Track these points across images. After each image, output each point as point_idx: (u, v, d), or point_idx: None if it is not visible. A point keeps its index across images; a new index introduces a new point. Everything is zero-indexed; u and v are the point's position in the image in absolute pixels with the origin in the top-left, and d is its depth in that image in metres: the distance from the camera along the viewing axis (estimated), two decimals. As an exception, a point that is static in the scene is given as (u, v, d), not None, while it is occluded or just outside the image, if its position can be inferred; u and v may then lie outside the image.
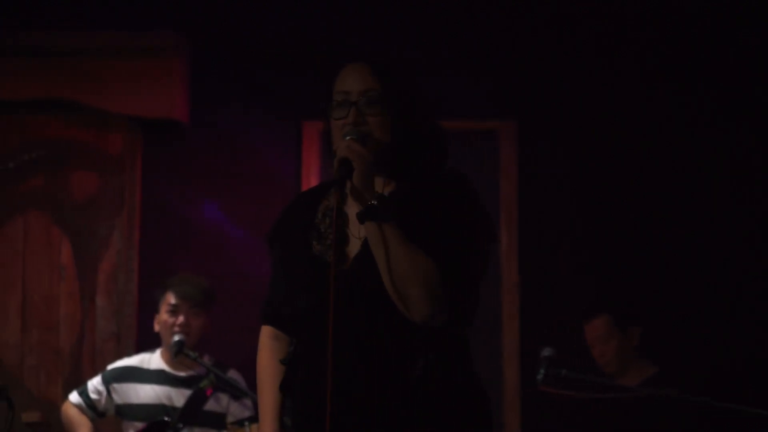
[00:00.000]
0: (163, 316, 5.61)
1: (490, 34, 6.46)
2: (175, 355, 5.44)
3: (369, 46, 6.09)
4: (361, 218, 2.87)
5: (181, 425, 5.30)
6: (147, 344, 5.90)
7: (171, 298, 5.59)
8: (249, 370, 5.51)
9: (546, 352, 5.10)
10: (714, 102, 6.31)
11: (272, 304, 3.17)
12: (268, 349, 3.19)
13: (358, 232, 2.99)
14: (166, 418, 5.32)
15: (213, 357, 5.60)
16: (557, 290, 6.27)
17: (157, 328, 5.66)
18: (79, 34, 6.38)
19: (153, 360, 5.67)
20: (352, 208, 3.01)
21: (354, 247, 3.00)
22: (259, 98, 6.45)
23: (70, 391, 5.79)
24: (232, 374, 5.57)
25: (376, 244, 2.87)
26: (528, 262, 6.36)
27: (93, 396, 5.62)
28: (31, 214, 6.44)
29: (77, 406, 5.63)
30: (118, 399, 5.60)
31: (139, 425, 5.41)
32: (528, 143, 6.44)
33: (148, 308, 5.95)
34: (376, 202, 2.85)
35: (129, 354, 6.00)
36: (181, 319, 5.55)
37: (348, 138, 2.93)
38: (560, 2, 6.45)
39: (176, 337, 5.45)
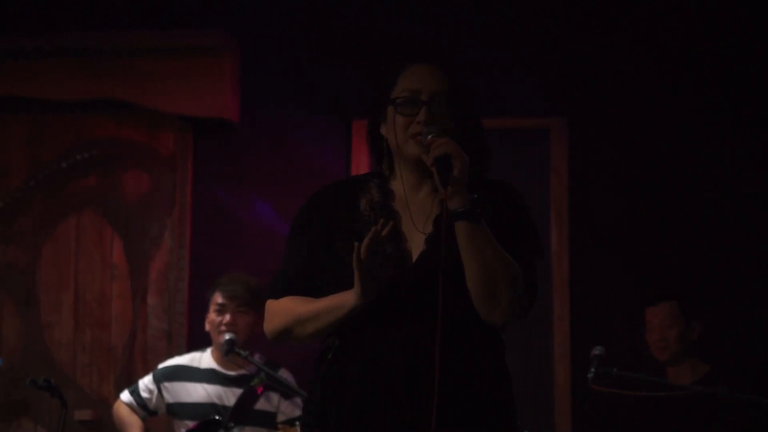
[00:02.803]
0: (212, 315, 5.63)
1: (541, 33, 6.44)
2: (226, 353, 5.45)
3: (420, 44, 6.09)
4: (457, 218, 2.85)
5: (232, 424, 5.31)
6: (198, 343, 5.93)
7: (218, 298, 5.61)
8: (300, 369, 5.56)
9: (597, 350, 5.08)
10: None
11: (289, 278, 3.09)
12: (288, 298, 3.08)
13: (422, 228, 2.98)
14: (217, 417, 5.33)
15: (264, 356, 5.62)
16: (608, 289, 6.24)
17: (207, 327, 5.69)
18: (130, 34, 6.41)
19: (204, 359, 5.69)
20: (402, 206, 3.02)
21: (413, 245, 2.98)
22: (309, 97, 6.46)
23: (122, 389, 5.83)
24: (283, 373, 5.58)
25: (468, 244, 2.85)
26: (578, 261, 6.33)
27: (144, 395, 5.65)
28: (83, 214, 6.49)
29: (128, 405, 5.66)
30: (169, 398, 5.63)
31: (190, 424, 5.43)
32: (578, 141, 6.41)
33: (199, 307, 5.98)
34: (472, 202, 2.85)
35: (180, 352, 6.03)
36: (227, 317, 5.57)
37: (431, 137, 2.90)
38: (611, 1, 6.42)
39: (227, 336, 5.45)
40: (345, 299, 2.91)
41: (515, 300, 2.87)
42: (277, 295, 3.10)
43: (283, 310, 3.06)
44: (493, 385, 2.95)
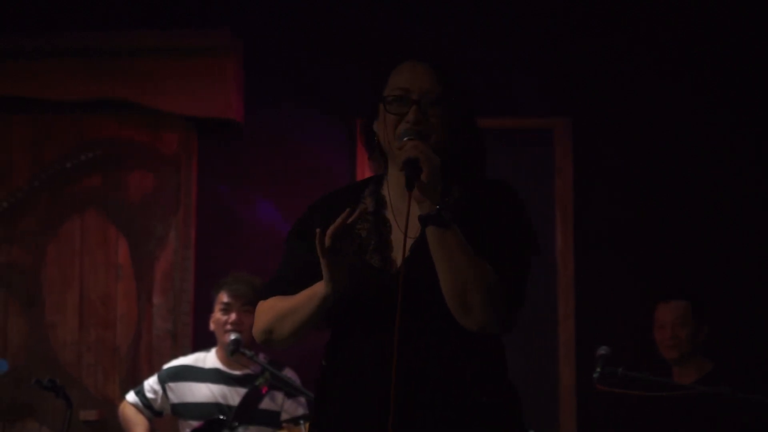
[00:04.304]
0: (217, 314, 5.64)
1: (545, 33, 6.44)
2: (232, 353, 5.45)
3: (423, 43, 6.09)
4: (425, 222, 2.81)
5: (236, 423, 5.32)
6: (203, 343, 5.93)
7: (224, 297, 5.62)
8: (304, 369, 5.56)
9: (602, 350, 5.08)
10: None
11: (281, 282, 3.05)
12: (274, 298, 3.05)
13: (405, 235, 2.91)
14: (221, 417, 5.34)
15: (268, 355, 5.62)
16: (613, 288, 6.23)
17: (212, 327, 5.69)
18: (134, 34, 6.41)
19: (208, 359, 5.69)
20: (395, 212, 3.00)
21: (399, 252, 2.94)
22: (313, 97, 6.46)
23: (127, 389, 5.84)
24: (287, 372, 5.58)
25: (438, 249, 2.81)
26: (583, 261, 6.32)
27: (149, 395, 5.65)
28: (88, 214, 6.49)
29: (134, 405, 5.67)
30: (174, 398, 5.63)
31: (195, 424, 5.44)
32: (583, 141, 6.40)
33: (204, 307, 5.98)
34: (441, 207, 2.80)
35: (185, 353, 6.03)
36: (233, 317, 5.57)
37: (407, 139, 2.88)
38: (615, 1, 6.41)
39: (232, 336, 5.46)
40: (316, 289, 2.88)
41: (489, 308, 2.81)
42: (267, 297, 3.08)
43: (267, 309, 3.04)
44: (477, 390, 2.90)
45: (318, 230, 2.79)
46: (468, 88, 3.06)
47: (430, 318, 2.87)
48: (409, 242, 2.92)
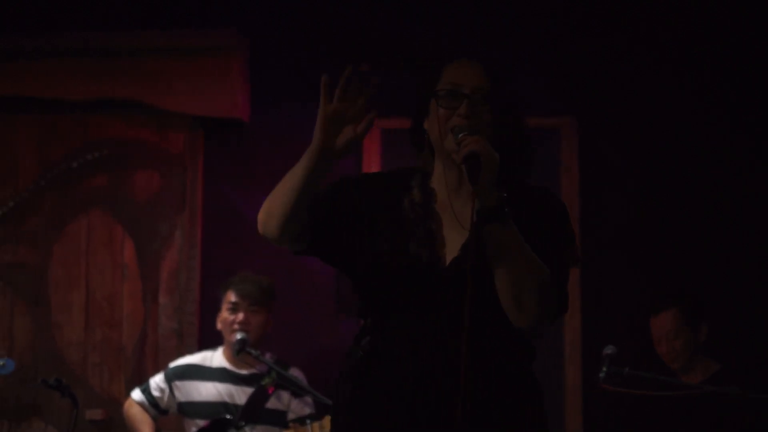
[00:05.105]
0: (224, 313, 5.64)
1: (550, 31, 6.43)
2: (238, 352, 5.46)
3: (430, 43, 6.09)
4: (485, 217, 2.82)
5: (242, 423, 5.31)
6: (209, 342, 5.93)
7: (231, 296, 5.62)
8: (310, 368, 5.56)
9: (608, 350, 5.08)
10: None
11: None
12: None
13: (459, 232, 2.95)
14: (228, 416, 5.34)
15: (274, 355, 5.62)
16: (618, 288, 6.23)
17: (219, 326, 5.70)
18: (140, 33, 6.41)
19: (215, 358, 5.70)
20: (443, 207, 3.01)
21: (450, 249, 2.97)
22: (319, 97, 6.43)
23: (132, 388, 5.84)
24: (294, 372, 5.59)
25: (497, 246, 2.82)
26: (589, 260, 6.31)
27: (155, 393, 5.66)
28: (93, 214, 6.49)
29: (140, 403, 5.68)
30: (180, 396, 5.64)
31: (202, 423, 5.44)
32: (589, 140, 6.40)
33: (209, 306, 5.99)
34: (500, 204, 2.81)
35: (191, 352, 6.03)
36: (240, 316, 5.58)
37: (462, 135, 2.88)
38: (619, 0, 6.41)
39: (239, 335, 5.47)
40: (308, 148, 2.98)
41: (543, 304, 2.85)
42: None
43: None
44: (518, 388, 2.96)
45: (324, 76, 2.84)
46: (517, 92, 3.09)
47: (477, 316, 2.86)
48: (462, 239, 2.95)
